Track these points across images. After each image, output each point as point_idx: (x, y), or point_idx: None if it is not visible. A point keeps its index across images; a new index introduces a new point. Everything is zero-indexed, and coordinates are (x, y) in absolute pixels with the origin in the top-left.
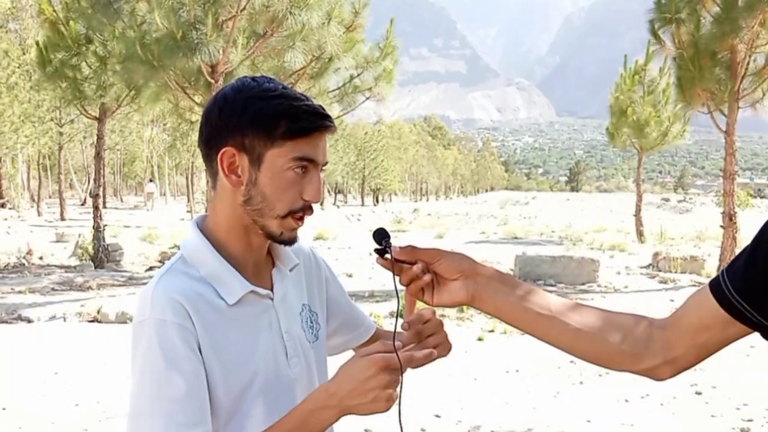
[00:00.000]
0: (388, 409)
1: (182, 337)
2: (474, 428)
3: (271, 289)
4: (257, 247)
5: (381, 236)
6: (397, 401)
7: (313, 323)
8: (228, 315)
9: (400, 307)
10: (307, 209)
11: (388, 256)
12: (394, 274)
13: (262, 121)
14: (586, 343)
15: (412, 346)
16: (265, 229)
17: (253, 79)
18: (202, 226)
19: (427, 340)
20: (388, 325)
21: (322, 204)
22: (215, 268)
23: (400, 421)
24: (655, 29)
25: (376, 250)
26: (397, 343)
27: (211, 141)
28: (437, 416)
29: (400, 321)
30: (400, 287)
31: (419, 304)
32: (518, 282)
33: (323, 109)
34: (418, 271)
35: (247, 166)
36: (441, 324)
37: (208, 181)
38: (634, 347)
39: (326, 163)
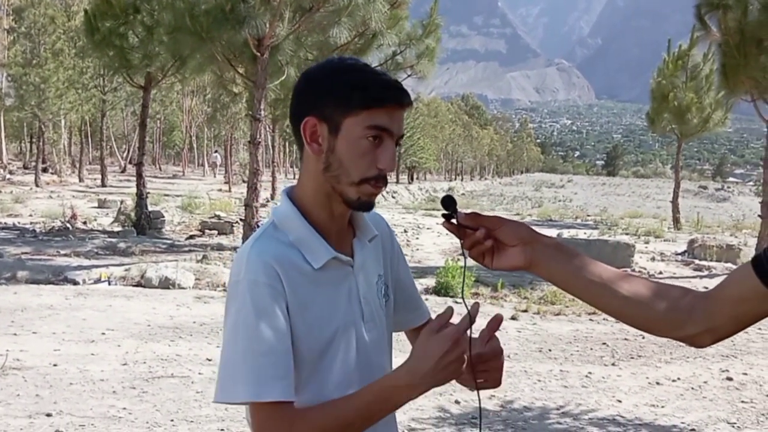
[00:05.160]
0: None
1: (273, 297)
2: (506, 403)
3: (352, 257)
4: (339, 215)
5: (449, 202)
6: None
7: (386, 293)
8: (313, 278)
9: (464, 271)
10: (381, 178)
11: (454, 221)
12: (459, 238)
13: (340, 91)
14: (633, 309)
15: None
16: (343, 196)
17: (339, 58)
18: (292, 195)
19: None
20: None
21: None
22: (303, 234)
23: (480, 415)
24: (701, 14)
25: (444, 215)
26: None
27: (297, 114)
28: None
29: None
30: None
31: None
32: (575, 252)
33: (400, 84)
34: (481, 236)
35: (326, 135)
36: (501, 357)
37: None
38: (678, 315)
39: (402, 136)
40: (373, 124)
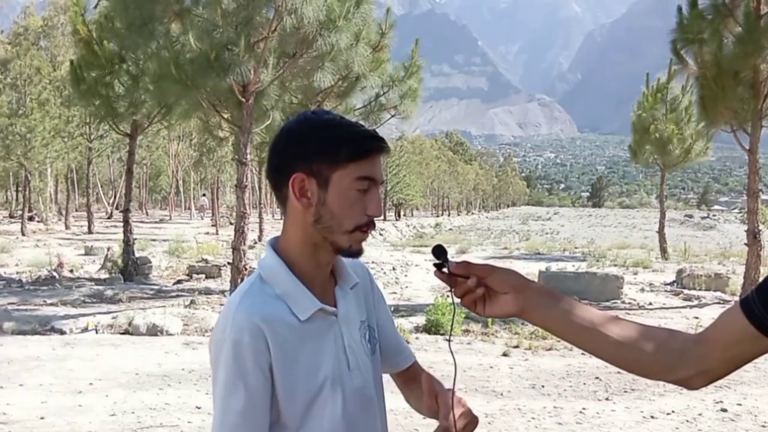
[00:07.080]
0: None
1: (255, 358)
2: None
3: (335, 306)
4: (325, 264)
5: (439, 252)
6: None
7: (371, 338)
8: (299, 331)
9: (453, 320)
10: (371, 223)
11: (445, 270)
12: (450, 287)
13: (326, 147)
14: (625, 353)
15: None
16: (335, 245)
17: (313, 112)
18: (276, 247)
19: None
20: (413, 339)
21: None
22: (289, 286)
23: None
24: (677, 49)
25: (435, 264)
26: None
27: (280, 170)
28: None
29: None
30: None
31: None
32: (564, 297)
33: (377, 133)
34: (472, 285)
35: (315, 189)
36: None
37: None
38: (670, 359)
39: (383, 182)
40: (363, 175)
